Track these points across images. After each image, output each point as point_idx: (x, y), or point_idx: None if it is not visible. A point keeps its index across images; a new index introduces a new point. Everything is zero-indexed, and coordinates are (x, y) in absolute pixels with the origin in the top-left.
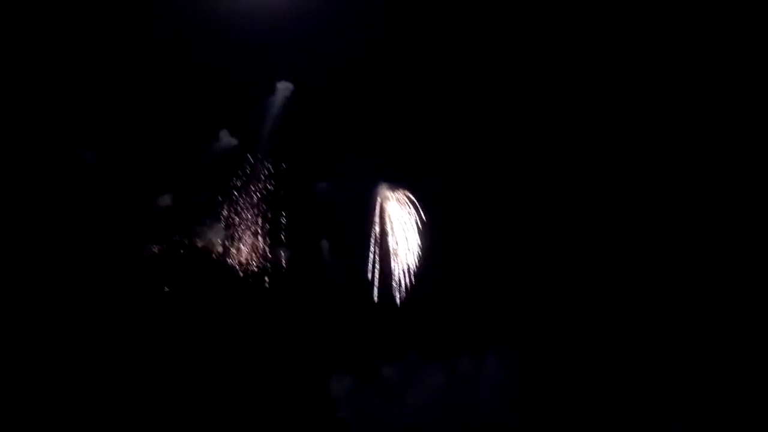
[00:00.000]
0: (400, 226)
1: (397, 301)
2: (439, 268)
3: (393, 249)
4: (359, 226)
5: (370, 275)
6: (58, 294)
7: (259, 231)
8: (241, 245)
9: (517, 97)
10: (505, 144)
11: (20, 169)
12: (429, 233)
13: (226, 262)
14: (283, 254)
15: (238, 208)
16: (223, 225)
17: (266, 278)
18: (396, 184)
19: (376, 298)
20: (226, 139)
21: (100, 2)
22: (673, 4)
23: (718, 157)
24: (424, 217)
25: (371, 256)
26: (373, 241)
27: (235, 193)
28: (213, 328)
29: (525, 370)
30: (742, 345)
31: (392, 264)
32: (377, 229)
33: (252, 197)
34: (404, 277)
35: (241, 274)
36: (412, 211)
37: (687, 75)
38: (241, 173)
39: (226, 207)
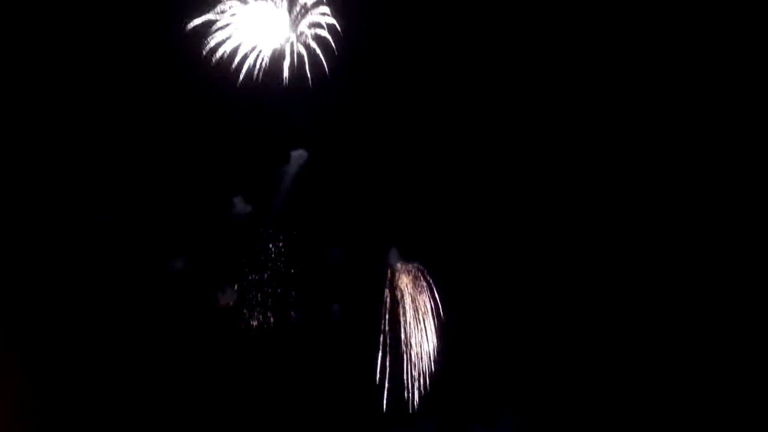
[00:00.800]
0: (412, 317)
1: (410, 409)
2: (453, 353)
3: (404, 350)
4: (371, 291)
5: (378, 379)
6: (71, 351)
7: (270, 301)
8: (252, 315)
9: (535, 164)
10: (516, 215)
11: (36, 230)
12: (442, 306)
13: (238, 325)
14: (293, 318)
15: (250, 281)
16: (235, 291)
17: (277, 341)
18: (408, 253)
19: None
20: (240, 205)
21: (117, 67)
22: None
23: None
24: (437, 296)
25: (380, 359)
26: (382, 339)
27: (247, 269)
28: (224, 392)
29: None
30: None
31: (405, 368)
32: (386, 325)
33: (263, 273)
34: (418, 383)
35: (253, 337)
36: (428, 298)
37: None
38: (252, 248)
39: (238, 279)
